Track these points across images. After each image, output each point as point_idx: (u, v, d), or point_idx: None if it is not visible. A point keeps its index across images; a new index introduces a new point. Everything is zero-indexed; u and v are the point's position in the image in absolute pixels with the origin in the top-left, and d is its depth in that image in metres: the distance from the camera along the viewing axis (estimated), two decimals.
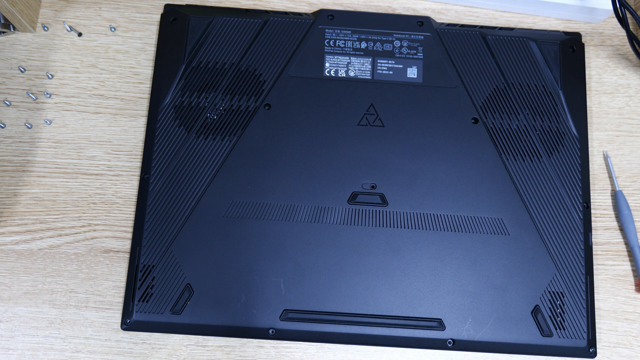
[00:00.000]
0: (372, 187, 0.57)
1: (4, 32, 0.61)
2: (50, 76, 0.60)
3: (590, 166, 0.60)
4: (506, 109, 0.59)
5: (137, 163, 0.59)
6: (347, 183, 0.57)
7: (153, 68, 0.60)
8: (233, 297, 0.54)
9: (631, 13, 0.58)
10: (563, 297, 0.55)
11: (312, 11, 0.63)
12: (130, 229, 0.57)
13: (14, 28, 0.61)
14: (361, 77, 0.60)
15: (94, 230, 0.57)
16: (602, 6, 0.61)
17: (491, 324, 0.54)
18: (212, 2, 0.63)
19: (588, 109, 0.61)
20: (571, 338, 0.55)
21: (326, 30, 0.61)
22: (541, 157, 0.58)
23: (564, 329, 0.55)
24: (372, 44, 0.61)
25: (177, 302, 0.54)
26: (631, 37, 0.60)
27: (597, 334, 0.56)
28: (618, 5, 0.58)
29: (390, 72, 0.60)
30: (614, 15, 0.62)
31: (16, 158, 0.59)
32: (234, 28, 0.60)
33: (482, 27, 0.62)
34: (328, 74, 0.60)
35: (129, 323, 0.54)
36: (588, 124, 0.60)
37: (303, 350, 0.55)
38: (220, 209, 0.56)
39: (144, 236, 0.55)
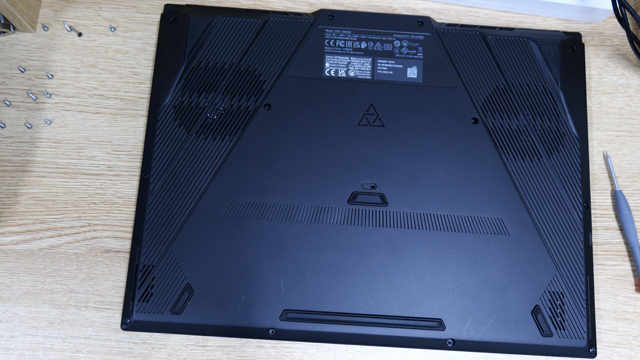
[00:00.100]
0: (372, 187, 0.57)
1: (4, 32, 0.61)
2: (50, 76, 0.60)
3: (590, 166, 0.60)
4: (506, 109, 0.59)
5: (137, 163, 0.59)
6: (347, 183, 0.57)
7: (153, 68, 0.60)
8: (233, 297, 0.54)
9: (631, 13, 0.58)
10: (563, 297, 0.55)
11: (312, 11, 0.63)
12: (130, 229, 0.57)
13: (14, 28, 0.61)
14: (361, 77, 0.60)
15: (94, 230, 0.57)
16: (602, 6, 0.61)
17: (491, 324, 0.54)
18: (212, 2, 0.63)
19: (588, 109, 0.61)
20: (571, 338, 0.55)
21: (326, 30, 0.61)
22: (541, 157, 0.58)
23: (564, 329, 0.55)
24: (372, 44, 0.61)
25: (177, 302, 0.54)
26: (631, 37, 0.60)
27: (597, 334, 0.56)
28: (618, 5, 0.58)
29: (390, 72, 0.60)
30: (614, 15, 0.62)
31: (16, 158, 0.59)
32: (234, 28, 0.60)
33: (482, 27, 0.62)
34: (328, 74, 0.60)
35: (129, 323, 0.54)
36: (588, 124, 0.60)
37: (303, 350, 0.55)
38: (220, 209, 0.56)
39: (144, 236, 0.55)
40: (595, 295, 0.57)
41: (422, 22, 0.61)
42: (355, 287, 0.55)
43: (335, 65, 0.60)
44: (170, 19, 0.60)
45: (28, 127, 0.59)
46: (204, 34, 0.60)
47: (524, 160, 0.58)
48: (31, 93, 0.60)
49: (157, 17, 0.63)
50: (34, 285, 0.56)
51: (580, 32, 0.63)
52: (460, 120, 0.59)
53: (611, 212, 0.60)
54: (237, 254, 0.55)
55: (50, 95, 0.60)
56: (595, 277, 0.58)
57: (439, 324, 0.54)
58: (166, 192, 0.56)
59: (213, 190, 0.56)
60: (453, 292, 0.55)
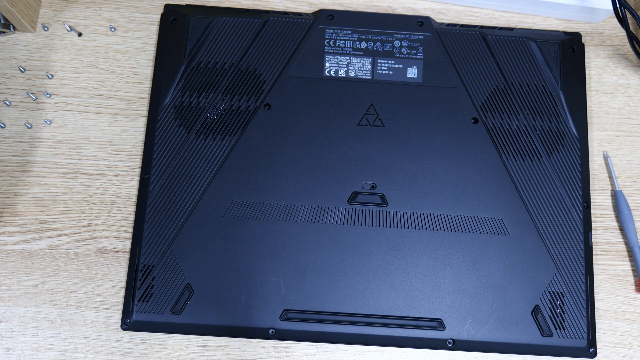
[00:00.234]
0: (372, 187, 0.57)
1: (4, 32, 0.61)
2: (50, 76, 0.60)
3: (590, 166, 0.60)
4: (506, 109, 0.59)
5: (137, 163, 0.59)
6: (347, 183, 0.57)
7: (153, 68, 0.60)
8: (233, 297, 0.54)
9: (631, 13, 0.58)
10: (563, 297, 0.55)
11: (312, 11, 0.63)
12: (130, 229, 0.57)
13: (14, 28, 0.61)
14: (361, 77, 0.60)
15: (94, 230, 0.57)
16: (602, 6, 0.61)
17: (491, 324, 0.54)
18: (212, 2, 0.63)
19: (588, 109, 0.61)
20: (571, 338, 0.55)
21: (326, 30, 0.61)
22: (541, 157, 0.58)
23: (564, 329, 0.55)
24: (372, 44, 0.61)
25: (177, 302, 0.54)
26: (631, 37, 0.60)
27: (597, 334, 0.56)
28: (618, 5, 0.58)
29: (390, 72, 0.60)
30: (614, 15, 0.62)
31: (16, 158, 0.59)
32: (234, 28, 0.60)
33: (482, 27, 0.62)
34: (328, 74, 0.60)
35: (129, 323, 0.54)
36: (588, 124, 0.60)
37: (303, 350, 0.55)
38: (220, 209, 0.56)
39: (144, 236, 0.55)
40: (595, 295, 0.57)
41: (422, 22, 0.61)
42: (355, 287, 0.55)
43: (335, 65, 0.60)
44: (170, 19, 0.60)
45: (28, 127, 0.59)
46: (204, 34, 0.60)
47: (524, 160, 0.58)
48: (31, 93, 0.60)
49: (157, 17, 0.63)
50: (34, 285, 0.56)
51: (580, 32, 0.63)
52: (460, 120, 0.59)
53: (611, 212, 0.60)
54: (237, 254, 0.55)
55: (50, 95, 0.60)
56: (595, 277, 0.58)
57: (439, 324, 0.54)
58: (166, 192, 0.56)
59: (213, 190, 0.56)
60: (453, 292, 0.55)
